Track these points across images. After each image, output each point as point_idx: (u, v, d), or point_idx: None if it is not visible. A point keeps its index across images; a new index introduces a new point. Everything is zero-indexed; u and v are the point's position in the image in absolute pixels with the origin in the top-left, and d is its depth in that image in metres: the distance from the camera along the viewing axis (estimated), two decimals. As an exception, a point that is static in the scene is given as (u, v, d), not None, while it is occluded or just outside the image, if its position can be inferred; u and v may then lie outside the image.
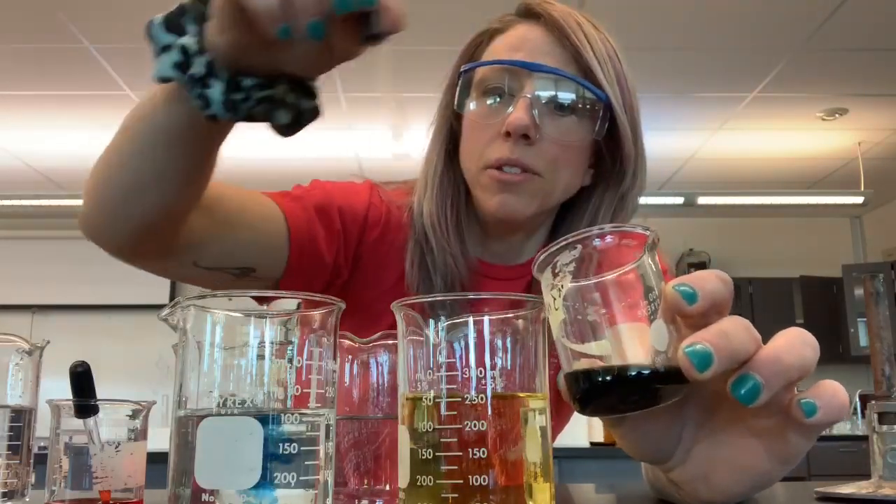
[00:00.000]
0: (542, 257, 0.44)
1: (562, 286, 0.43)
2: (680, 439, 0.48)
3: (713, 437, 0.47)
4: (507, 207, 0.87)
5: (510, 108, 0.84)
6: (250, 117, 0.58)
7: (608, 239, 0.43)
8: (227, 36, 0.53)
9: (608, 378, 0.40)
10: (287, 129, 0.59)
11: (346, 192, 0.94)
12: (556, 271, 0.43)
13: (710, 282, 0.41)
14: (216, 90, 0.55)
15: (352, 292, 0.93)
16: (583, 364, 0.43)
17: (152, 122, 0.64)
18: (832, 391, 0.41)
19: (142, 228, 0.71)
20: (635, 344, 0.41)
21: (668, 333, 0.41)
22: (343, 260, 0.92)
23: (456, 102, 0.90)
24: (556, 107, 0.85)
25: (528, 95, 0.84)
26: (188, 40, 0.55)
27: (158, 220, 0.71)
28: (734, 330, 0.40)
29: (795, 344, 0.41)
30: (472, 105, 0.89)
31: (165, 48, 0.55)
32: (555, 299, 0.43)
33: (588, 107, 0.85)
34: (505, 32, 0.90)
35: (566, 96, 0.85)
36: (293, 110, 0.58)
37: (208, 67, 0.55)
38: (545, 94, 0.85)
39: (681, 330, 0.42)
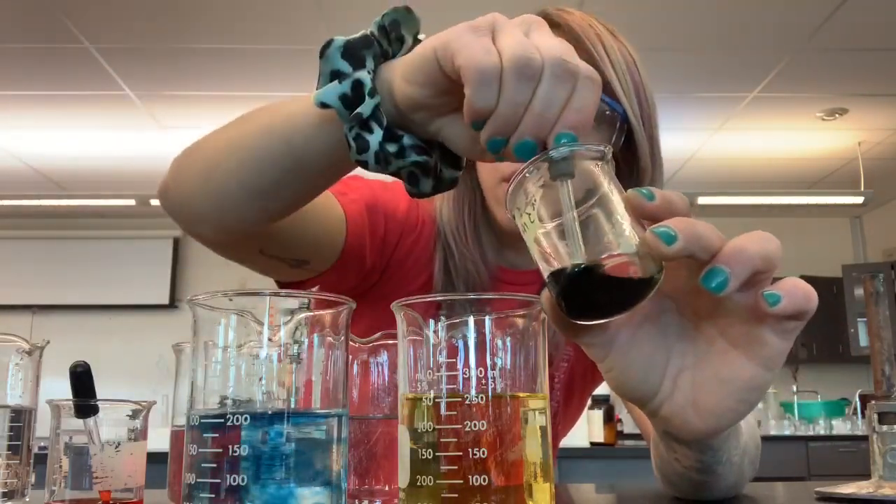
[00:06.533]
0: (513, 186, 0.46)
1: (535, 200, 0.45)
2: (666, 370, 0.48)
3: (697, 362, 0.47)
4: None
5: None
6: (396, 174, 0.55)
7: (568, 155, 0.45)
8: (413, 90, 0.50)
9: (583, 267, 0.42)
10: (420, 194, 0.56)
11: (391, 195, 0.94)
12: (528, 190, 0.45)
13: (667, 191, 0.45)
14: (375, 138, 0.52)
15: (380, 297, 0.92)
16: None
17: (291, 139, 0.60)
18: (793, 282, 0.44)
19: (246, 226, 0.68)
20: (606, 245, 0.44)
21: (633, 238, 0.43)
22: (378, 264, 0.92)
23: None
24: None
25: None
26: (364, 76, 0.52)
27: (264, 221, 0.68)
28: (697, 222, 0.43)
29: (757, 238, 0.44)
30: None
31: (335, 74, 0.53)
32: (529, 215, 0.45)
33: (604, 120, 0.85)
34: None
35: None
36: (436, 179, 0.55)
37: (374, 111, 0.52)
38: None
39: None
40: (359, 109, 0.51)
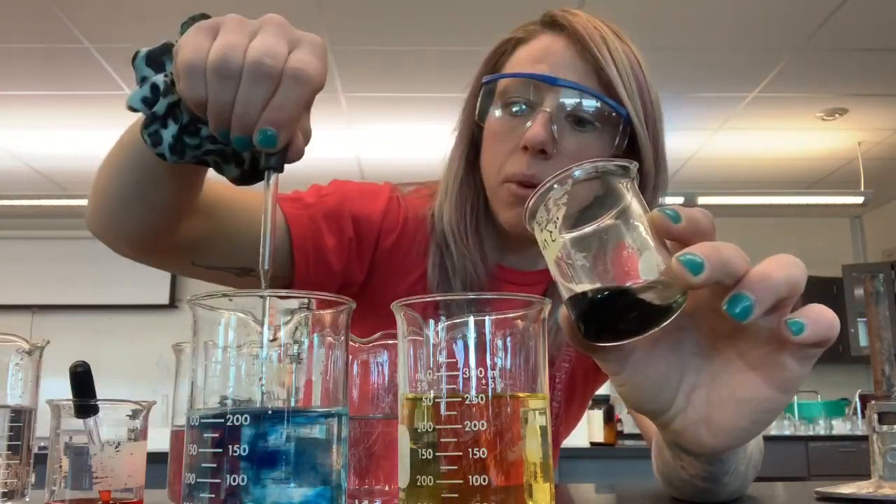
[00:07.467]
0: (533, 200, 0.46)
1: (557, 218, 0.45)
2: (679, 386, 0.48)
3: (712, 380, 0.47)
4: (522, 222, 0.87)
5: (529, 123, 0.84)
6: (201, 162, 0.60)
7: (591, 173, 0.45)
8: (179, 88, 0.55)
9: (606, 293, 0.42)
10: (239, 181, 0.60)
11: (364, 196, 0.94)
12: (549, 207, 0.45)
13: (692, 210, 0.45)
14: (169, 132, 0.58)
15: (368, 297, 0.92)
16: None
17: (126, 149, 0.68)
18: (819, 310, 0.43)
19: (135, 233, 0.75)
20: (629, 268, 0.43)
21: (657, 261, 0.43)
22: (357, 267, 0.91)
23: (477, 113, 0.90)
24: (576, 122, 0.85)
25: (548, 110, 0.83)
26: (160, 79, 0.57)
27: (149, 227, 0.74)
28: (723, 245, 0.42)
29: (783, 263, 0.43)
30: (492, 116, 0.89)
31: (143, 80, 0.58)
32: (551, 232, 0.45)
33: (608, 122, 0.85)
34: (528, 42, 0.89)
35: (586, 111, 0.84)
36: (245, 164, 0.59)
37: (169, 108, 0.57)
38: (564, 108, 0.84)
39: (671, 255, 0.44)
40: (154, 108, 0.57)
